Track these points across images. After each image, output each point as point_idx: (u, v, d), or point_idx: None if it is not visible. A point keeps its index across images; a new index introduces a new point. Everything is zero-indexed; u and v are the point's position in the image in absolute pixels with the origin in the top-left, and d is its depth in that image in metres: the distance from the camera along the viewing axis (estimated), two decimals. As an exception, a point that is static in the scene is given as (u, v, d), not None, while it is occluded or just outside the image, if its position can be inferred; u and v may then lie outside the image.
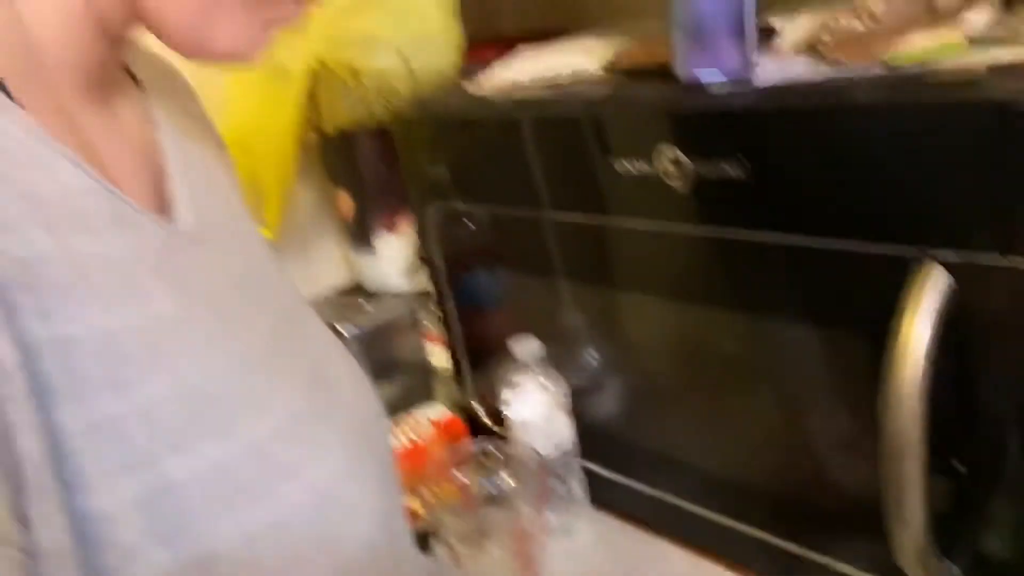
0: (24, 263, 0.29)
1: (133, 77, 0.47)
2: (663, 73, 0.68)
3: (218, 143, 0.54)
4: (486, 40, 1.13)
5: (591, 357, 0.84)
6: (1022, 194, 0.44)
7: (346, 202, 1.08)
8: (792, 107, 0.54)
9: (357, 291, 1.15)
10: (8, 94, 0.32)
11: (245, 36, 0.39)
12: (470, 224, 0.89)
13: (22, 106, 0.32)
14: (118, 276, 0.33)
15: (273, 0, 0.39)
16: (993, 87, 0.46)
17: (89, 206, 0.34)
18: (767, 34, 0.70)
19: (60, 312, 0.30)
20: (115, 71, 0.44)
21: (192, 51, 0.39)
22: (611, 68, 0.77)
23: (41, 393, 0.29)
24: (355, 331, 1.05)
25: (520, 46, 0.98)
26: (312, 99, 0.94)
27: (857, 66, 0.56)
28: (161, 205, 0.42)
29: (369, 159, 1.03)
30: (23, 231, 0.30)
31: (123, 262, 0.34)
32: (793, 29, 0.70)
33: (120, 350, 0.32)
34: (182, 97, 0.52)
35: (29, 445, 0.28)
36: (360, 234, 1.09)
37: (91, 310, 0.32)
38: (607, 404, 0.84)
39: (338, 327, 1.05)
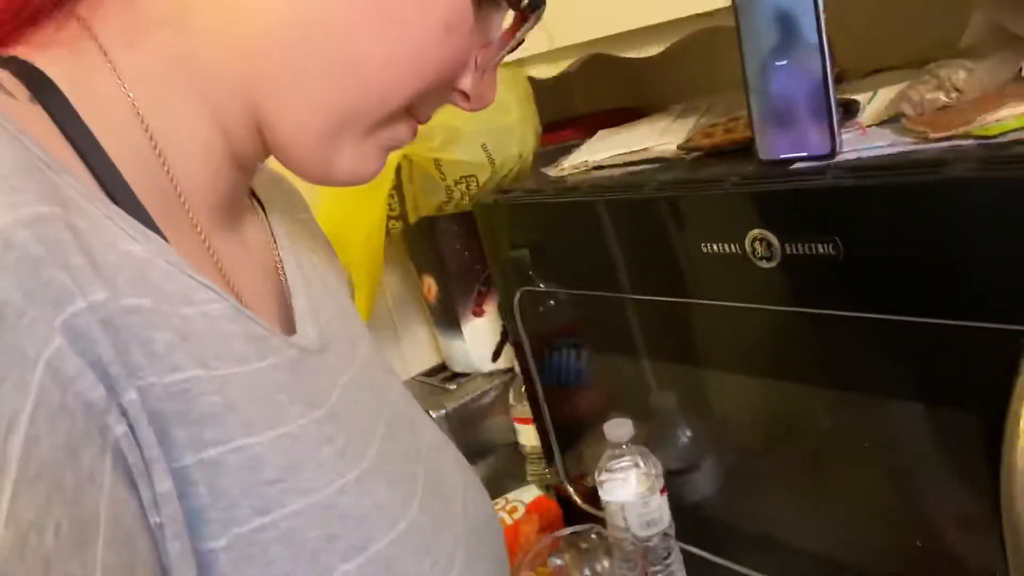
0: (177, 394, 0.31)
1: (255, 195, 0.50)
2: (741, 151, 0.69)
3: (327, 247, 0.57)
4: (562, 121, 1.17)
5: (684, 436, 0.83)
6: None
7: (431, 286, 1.11)
8: (885, 184, 0.53)
9: (445, 373, 1.17)
10: (155, 227, 0.34)
11: (364, 161, 0.41)
12: (554, 304, 0.90)
13: (166, 238, 0.35)
14: (259, 399, 0.35)
15: (389, 127, 0.41)
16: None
17: (231, 333, 0.35)
18: (848, 108, 0.70)
19: (209, 439, 0.32)
20: (244, 197, 0.47)
21: (317, 178, 0.42)
22: (688, 148, 0.78)
23: (192, 518, 0.31)
24: (443, 412, 1.07)
25: (597, 128, 1.01)
26: (398, 190, 0.98)
27: (944, 139, 0.56)
28: (286, 320, 0.45)
29: (452, 244, 1.06)
30: (175, 362, 0.31)
31: (262, 385, 0.35)
32: (873, 102, 0.70)
33: (262, 472, 0.33)
34: (296, 209, 0.55)
35: (184, 570, 0.30)
36: (446, 317, 1.12)
37: (236, 434, 0.33)
38: (703, 484, 0.82)
39: (429, 410, 1.07)
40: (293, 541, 0.34)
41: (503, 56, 0.44)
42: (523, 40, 0.44)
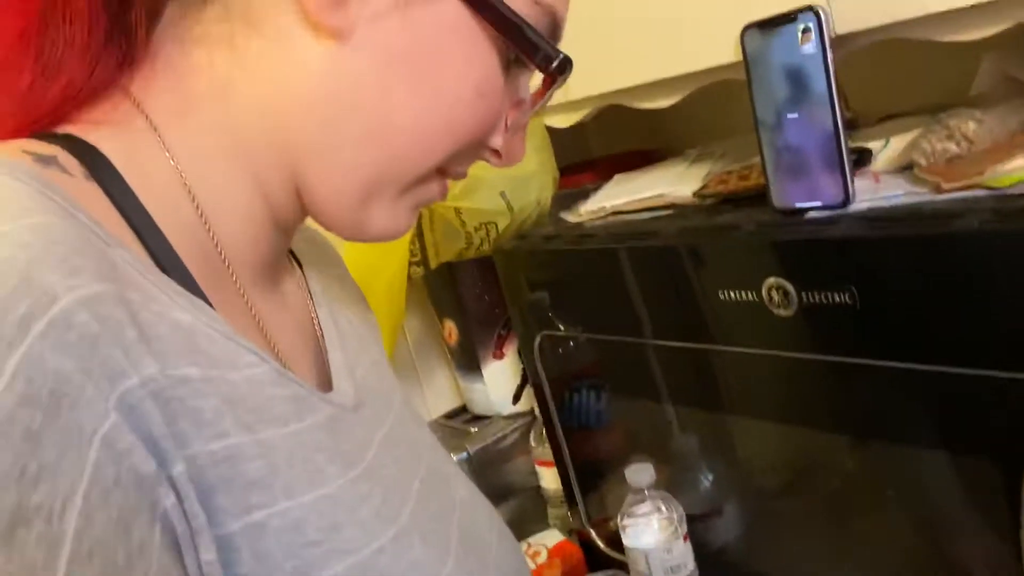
0: (223, 460, 0.32)
1: (292, 253, 0.52)
2: (756, 198, 0.70)
3: (361, 300, 0.59)
4: (580, 164, 1.19)
5: (706, 480, 0.83)
6: None
7: (452, 330, 1.12)
8: (899, 235, 0.54)
9: (466, 415, 1.18)
10: (202, 294, 0.36)
11: (396, 220, 0.43)
12: (574, 347, 0.91)
13: (212, 305, 0.36)
14: (299, 460, 0.36)
15: (421, 186, 0.43)
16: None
17: (273, 395, 0.36)
18: (860, 157, 0.71)
19: (254, 503, 0.33)
20: (284, 256, 0.48)
21: (351, 236, 0.43)
22: (703, 194, 0.79)
23: None
24: (465, 455, 1.08)
25: (614, 171, 1.03)
26: (419, 237, 1.00)
27: (957, 189, 0.57)
28: (322, 376, 0.46)
29: (472, 289, 1.07)
30: (222, 429, 0.32)
31: (302, 446, 0.36)
32: (886, 150, 0.71)
33: (304, 533, 0.34)
34: (331, 264, 0.57)
35: None
36: (466, 360, 1.13)
37: (279, 497, 0.34)
38: (725, 529, 0.82)
39: (450, 453, 1.08)
40: None
41: (536, 111, 0.46)
42: (551, 98, 0.46)
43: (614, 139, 1.24)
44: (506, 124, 0.45)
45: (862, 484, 0.67)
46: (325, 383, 0.45)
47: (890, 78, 0.81)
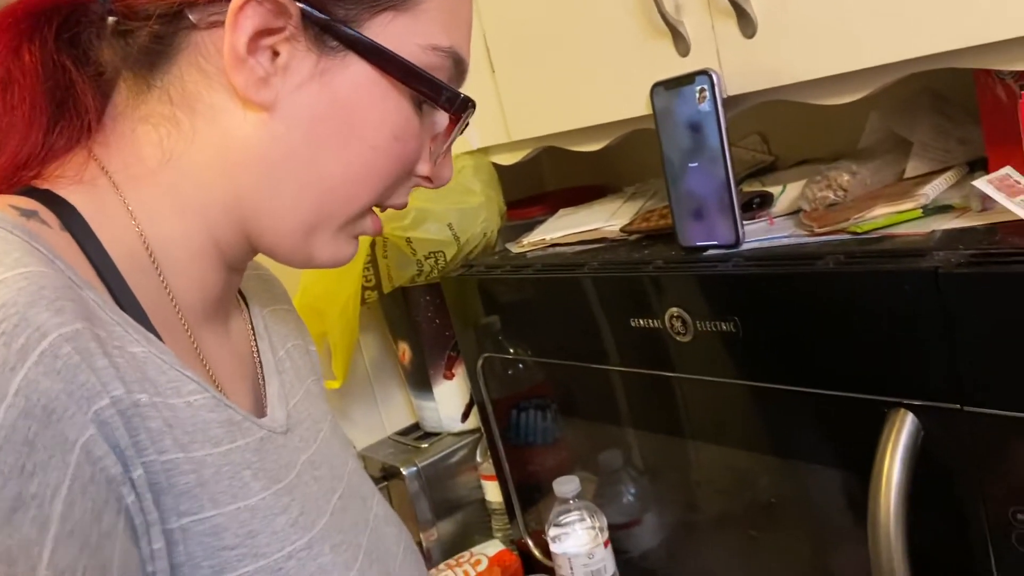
0: (164, 471, 0.39)
1: (240, 292, 0.59)
2: (671, 236, 0.78)
3: (303, 334, 0.65)
4: (532, 197, 1.27)
5: (628, 492, 0.90)
6: (966, 351, 0.51)
7: (405, 351, 1.19)
8: (769, 274, 0.62)
9: (418, 432, 1.24)
10: (154, 331, 0.42)
11: (338, 250, 0.50)
12: (522, 368, 0.98)
13: (161, 339, 0.42)
14: (227, 476, 0.42)
15: (357, 221, 0.50)
16: (931, 255, 0.54)
17: (210, 419, 0.43)
18: (763, 201, 0.79)
19: (184, 510, 0.39)
20: (234, 292, 0.55)
21: (301, 266, 0.50)
22: (628, 231, 0.87)
23: (174, 572, 0.39)
24: (414, 470, 1.14)
25: (562, 204, 1.11)
26: (373, 263, 1.07)
27: (827, 233, 0.65)
28: (258, 402, 0.52)
29: (424, 313, 1.14)
30: (164, 445, 0.39)
31: (231, 464, 0.43)
32: (784, 195, 0.79)
33: (223, 539, 0.41)
34: (276, 300, 0.63)
35: None
36: (419, 379, 1.19)
37: (205, 506, 0.40)
38: (645, 537, 0.89)
39: (400, 467, 1.14)
40: None
41: (451, 143, 0.52)
42: (465, 128, 0.53)
43: (565, 175, 1.32)
44: (430, 154, 0.51)
45: (753, 494, 0.74)
46: (261, 409, 0.52)
47: (809, 125, 0.90)
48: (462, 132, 0.53)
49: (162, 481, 0.39)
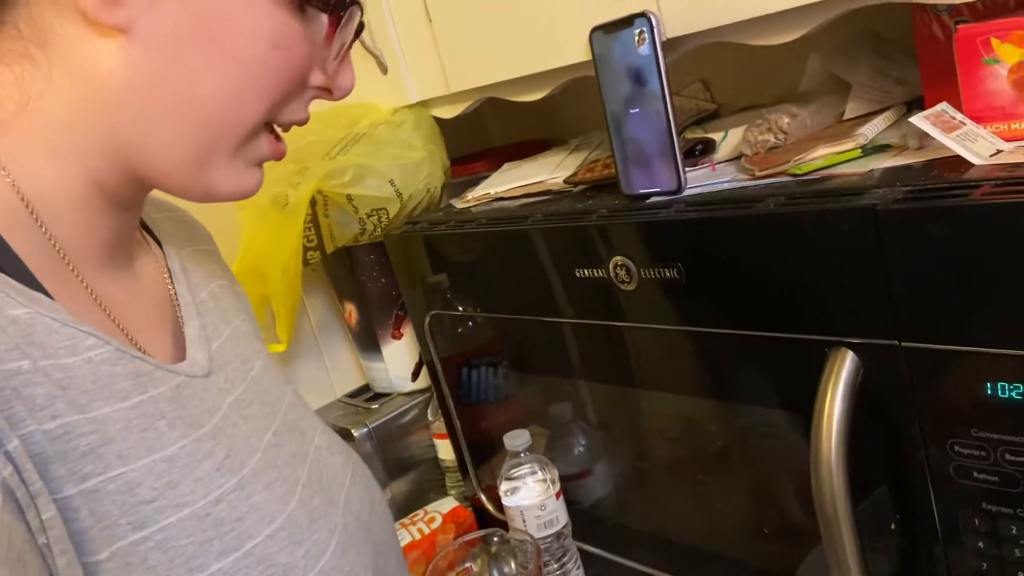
0: (56, 438, 0.37)
1: (151, 233, 0.56)
2: (614, 185, 0.77)
3: (227, 275, 0.62)
4: (477, 153, 1.24)
5: (579, 444, 0.90)
6: (903, 287, 0.52)
7: (352, 312, 1.17)
8: (711, 218, 0.62)
9: (368, 393, 1.23)
10: (39, 286, 0.40)
11: (239, 178, 0.47)
12: (471, 326, 0.97)
13: (50, 295, 0.40)
14: (137, 430, 0.40)
15: (251, 144, 0.47)
16: (869, 193, 0.54)
17: (113, 373, 0.40)
18: (705, 147, 0.79)
19: (88, 472, 0.38)
20: (133, 233, 0.51)
21: (201, 198, 0.47)
22: (572, 182, 0.86)
23: (77, 538, 0.37)
24: (365, 431, 1.13)
25: (506, 159, 1.09)
26: (314, 223, 1.04)
27: (768, 176, 0.65)
28: (179, 346, 0.50)
29: (369, 272, 1.12)
30: (53, 410, 0.37)
31: (141, 416, 0.41)
32: (726, 141, 0.79)
33: (138, 494, 0.39)
34: (196, 241, 0.60)
35: None
36: (366, 340, 1.18)
37: (113, 465, 0.39)
38: (597, 487, 0.90)
39: (351, 429, 1.13)
40: (168, 549, 0.40)
41: (346, 49, 0.49)
42: (361, 29, 0.49)
43: (510, 130, 1.30)
44: (324, 63, 0.48)
45: (701, 440, 0.75)
46: (182, 353, 0.49)
47: (752, 71, 0.89)
48: (358, 36, 0.50)
49: (46, 450, 0.36)
